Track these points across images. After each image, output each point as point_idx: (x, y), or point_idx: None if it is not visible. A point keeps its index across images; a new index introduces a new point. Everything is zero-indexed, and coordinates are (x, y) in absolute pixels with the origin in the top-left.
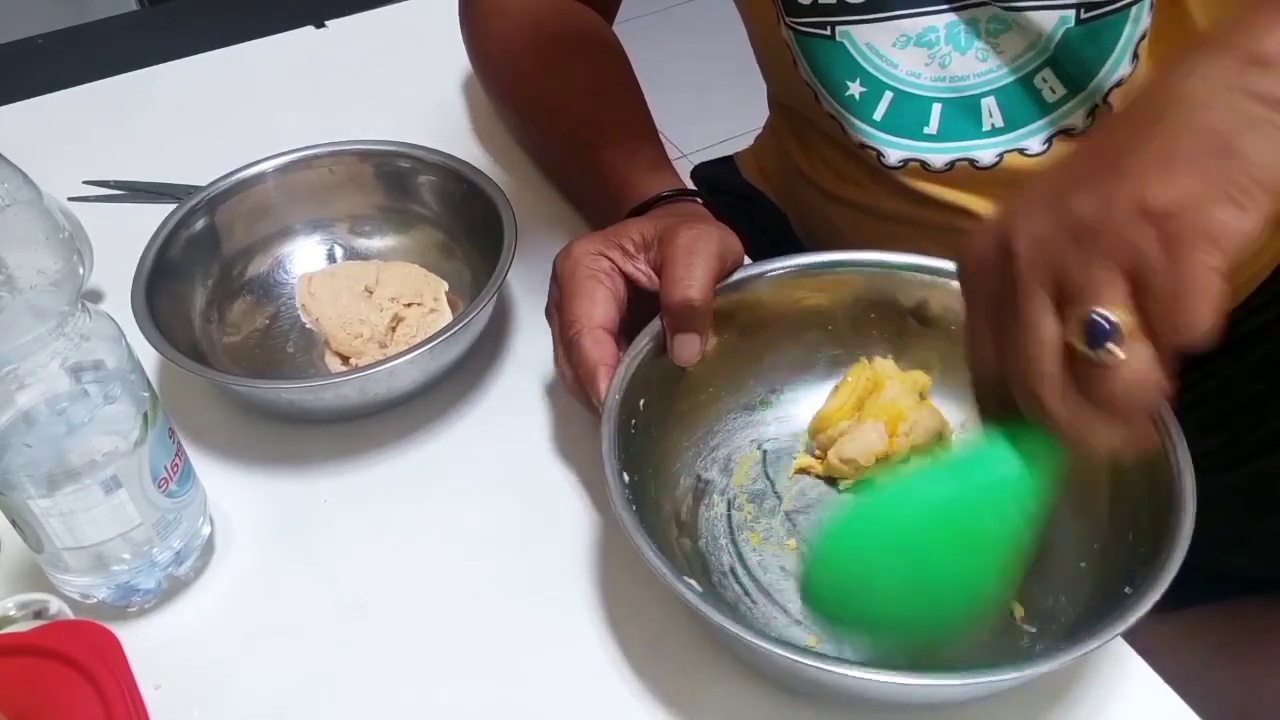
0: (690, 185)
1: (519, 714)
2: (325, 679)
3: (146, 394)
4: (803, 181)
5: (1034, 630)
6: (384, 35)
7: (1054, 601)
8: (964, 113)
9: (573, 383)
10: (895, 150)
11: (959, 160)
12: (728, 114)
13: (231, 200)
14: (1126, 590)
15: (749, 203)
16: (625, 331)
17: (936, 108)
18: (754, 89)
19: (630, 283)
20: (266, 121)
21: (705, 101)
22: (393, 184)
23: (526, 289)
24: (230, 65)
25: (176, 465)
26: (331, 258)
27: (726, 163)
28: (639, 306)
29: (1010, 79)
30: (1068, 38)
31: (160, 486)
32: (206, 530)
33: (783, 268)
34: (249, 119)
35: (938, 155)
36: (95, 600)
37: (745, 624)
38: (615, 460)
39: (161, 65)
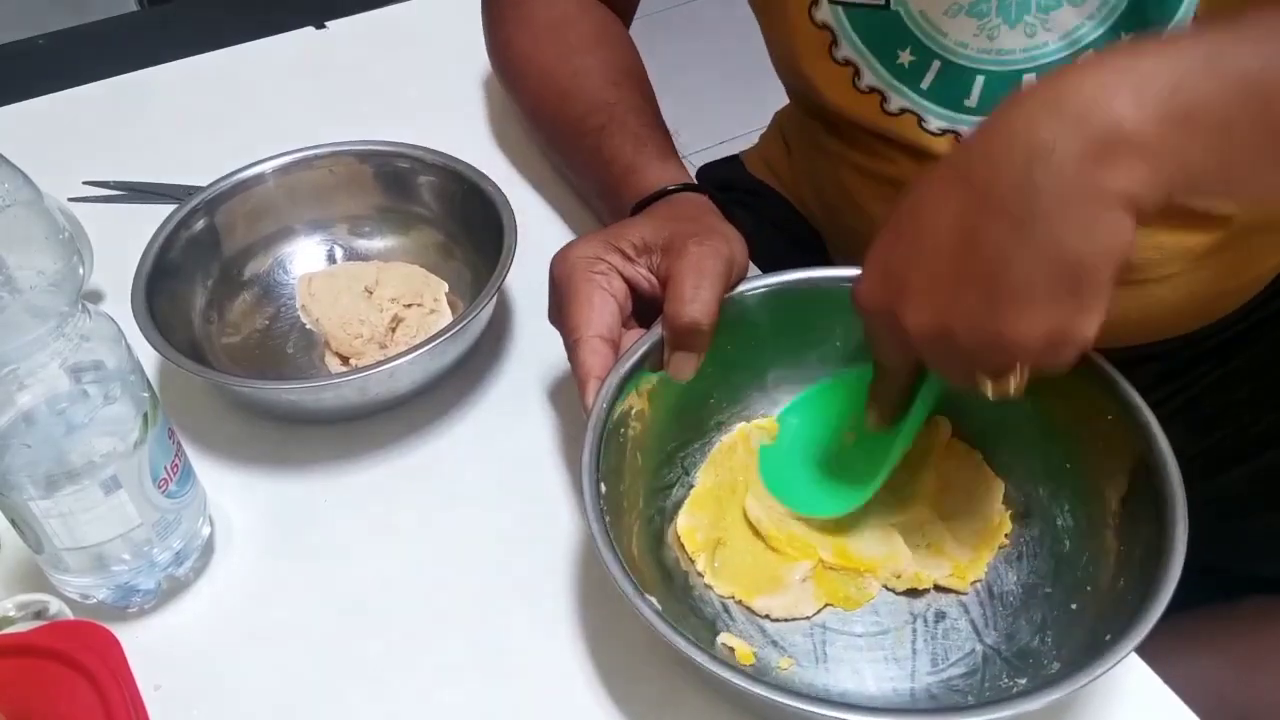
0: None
1: (518, 714)
2: (325, 679)
3: (146, 394)
4: (832, 161)
5: (1019, 680)
6: (384, 35)
7: (1039, 642)
8: (1005, 88)
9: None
10: (936, 119)
11: None
12: (731, 114)
13: (231, 200)
14: (1107, 637)
15: (757, 198)
16: (627, 325)
17: (979, 80)
18: (756, 89)
19: (630, 286)
20: (266, 121)
21: (708, 102)
22: (393, 184)
23: (526, 289)
24: (230, 65)
25: (176, 466)
26: (331, 258)
27: (732, 161)
28: (639, 308)
29: (1054, 57)
30: (1136, 3)
31: (160, 487)
32: (206, 530)
33: (781, 282)
34: (249, 119)
35: (971, 129)
36: (95, 600)
37: (704, 651)
38: (593, 471)
39: (161, 65)
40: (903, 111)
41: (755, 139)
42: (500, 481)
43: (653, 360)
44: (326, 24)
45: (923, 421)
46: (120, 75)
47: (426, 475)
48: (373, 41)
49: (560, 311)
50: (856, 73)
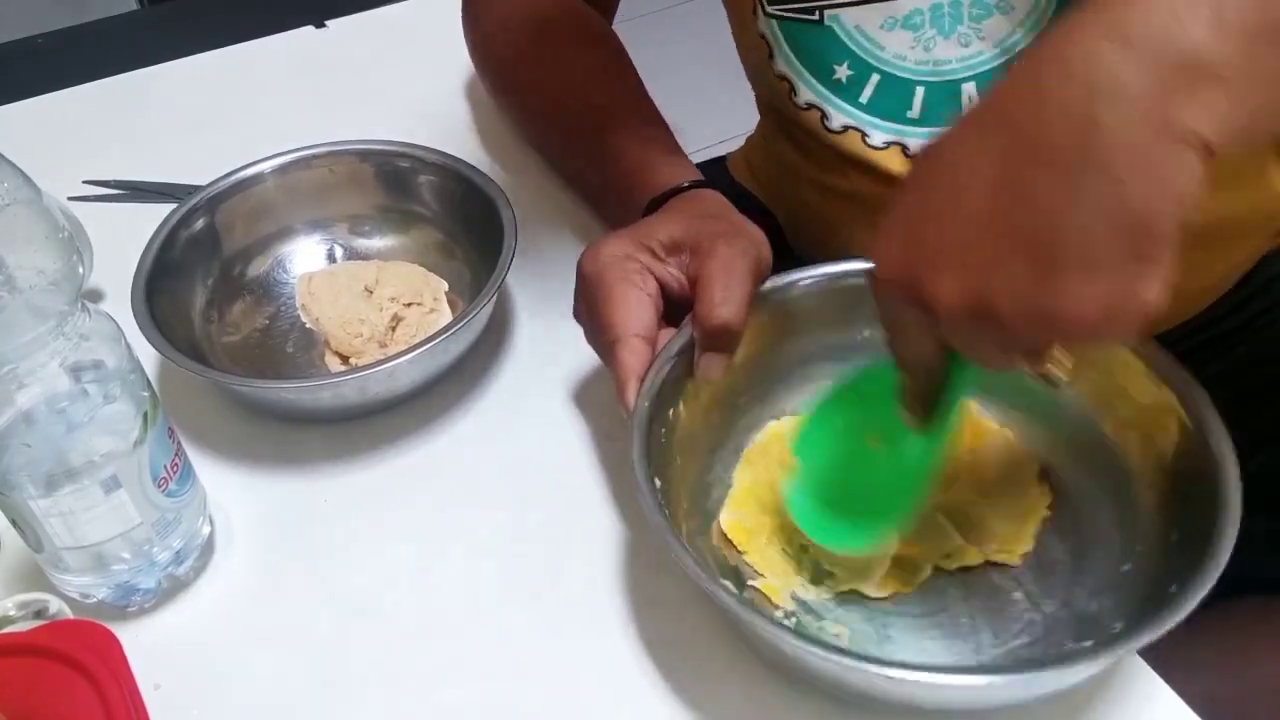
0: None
1: (518, 714)
2: (325, 679)
3: (146, 394)
4: (792, 176)
5: (1085, 643)
6: (384, 35)
7: (1098, 605)
8: (945, 98)
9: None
10: (880, 133)
11: None
12: (726, 114)
13: (231, 200)
14: (1172, 589)
15: (738, 203)
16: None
17: (919, 91)
18: (749, 90)
19: (661, 285)
20: (266, 121)
21: (703, 101)
22: (393, 184)
23: (526, 289)
24: (230, 65)
25: (176, 465)
26: (331, 258)
27: (717, 164)
28: (668, 308)
29: (991, 64)
30: (1061, 11)
31: (160, 486)
32: (206, 530)
33: (810, 277)
34: (249, 119)
35: (918, 140)
36: (95, 600)
37: (780, 626)
38: (645, 466)
39: (161, 65)
40: (845, 129)
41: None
42: (500, 481)
43: (683, 362)
44: (326, 23)
45: (957, 414)
46: (120, 75)
47: (426, 475)
48: (373, 41)
49: (594, 310)
50: (792, 89)
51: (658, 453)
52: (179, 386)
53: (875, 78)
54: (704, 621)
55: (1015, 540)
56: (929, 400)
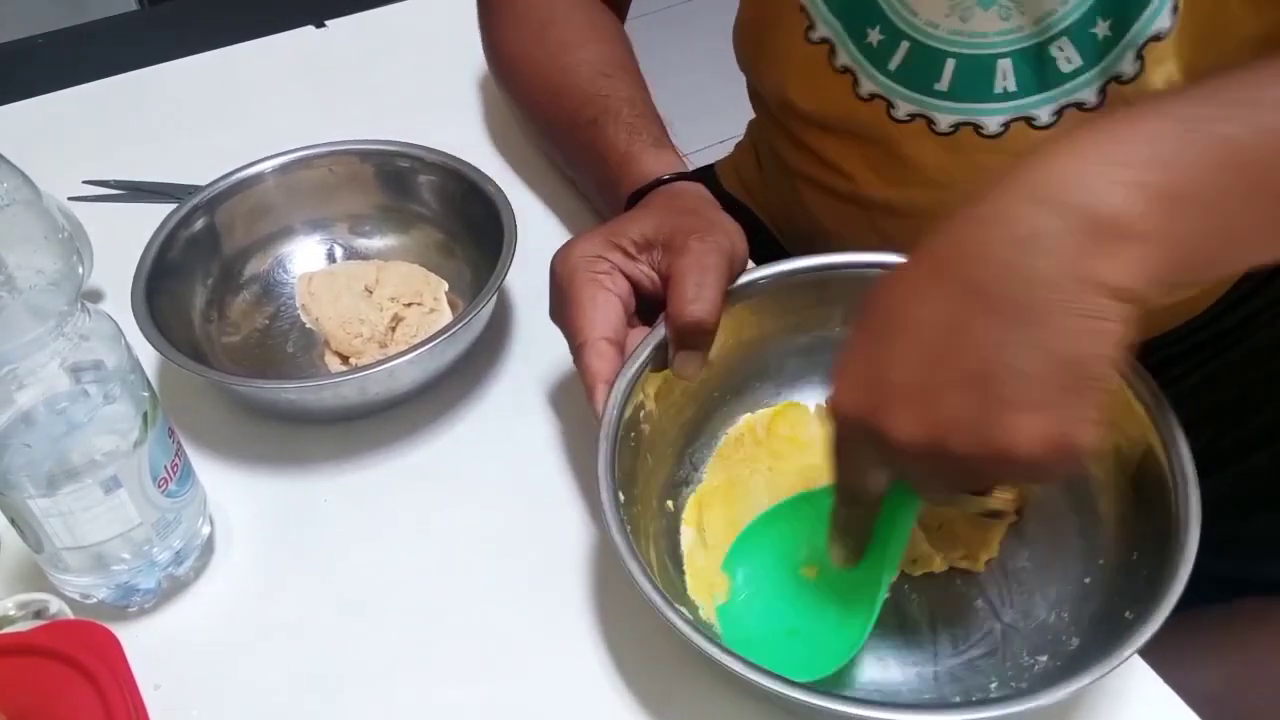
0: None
1: (518, 714)
2: (325, 679)
3: (146, 394)
4: (789, 178)
5: (1040, 657)
6: (384, 35)
7: (1056, 617)
8: (977, 72)
9: None
10: (905, 103)
11: (965, 124)
12: (724, 114)
13: (231, 200)
14: (1128, 615)
15: (728, 211)
16: (631, 324)
17: (950, 63)
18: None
19: (633, 284)
20: (266, 121)
21: (702, 102)
22: (393, 184)
23: (526, 289)
24: (230, 65)
25: (176, 465)
26: (331, 258)
27: (706, 171)
28: (641, 306)
29: (1029, 43)
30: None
31: (160, 486)
32: (206, 530)
33: (784, 271)
34: (249, 119)
35: (944, 115)
36: (95, 600)
37: (738, 658)
38: (610, 479)
39: (161, 65)
40: (872, 97)
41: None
42: (500, 481)
43: (657, 360)
44: (326, 23)
45: (898, 551)
46: (120, 75)
47: (426, 475)
48: (372, 41)
49: (563, 313)
50: (832, 51)
51: (627, 456)
52: (179, 386)
53: (905, 45)
54: None
55: (981, 547)
56: (860, 535)
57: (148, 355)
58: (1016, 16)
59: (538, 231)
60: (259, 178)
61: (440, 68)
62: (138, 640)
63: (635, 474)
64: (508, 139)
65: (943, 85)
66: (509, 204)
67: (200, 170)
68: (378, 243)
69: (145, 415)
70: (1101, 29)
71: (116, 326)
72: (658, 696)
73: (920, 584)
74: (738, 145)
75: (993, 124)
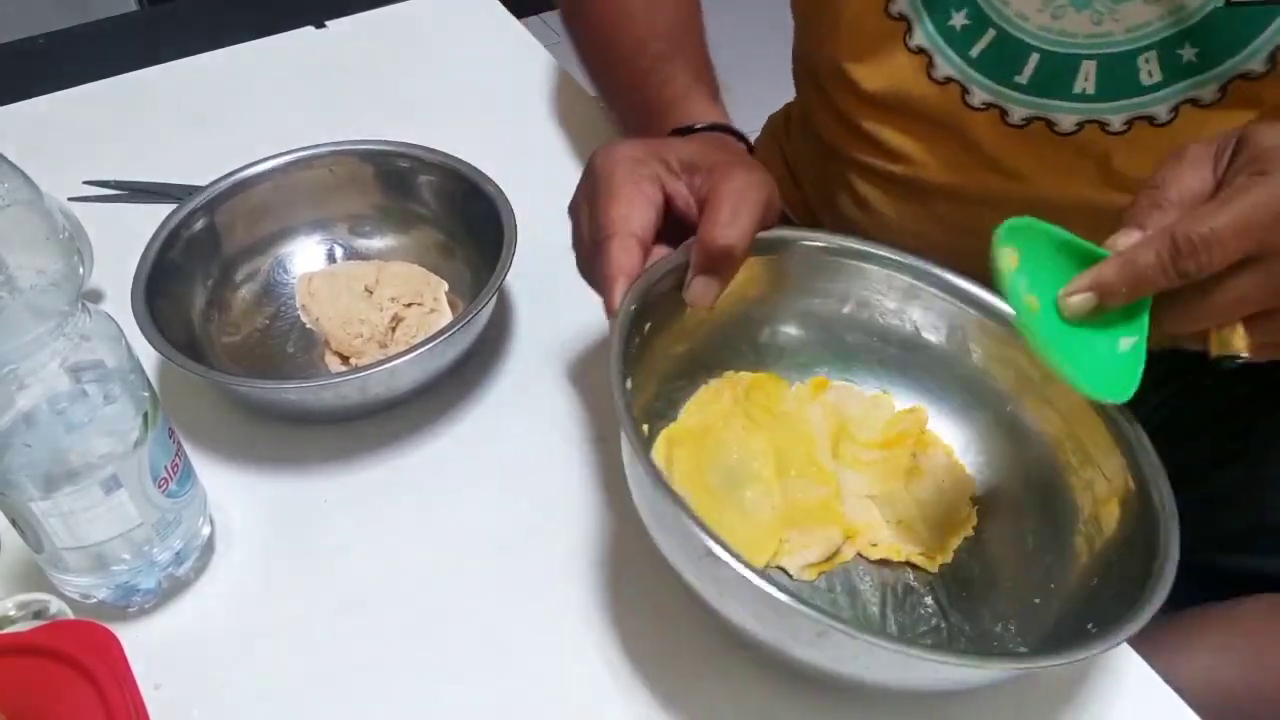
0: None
1: (518, 714)
2: (325, 679)
3: (146, 394)
4: (836, 161)
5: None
6: (384, 35)
7: (1001, 628)
8: (1060, 70)
9: (593, 280)
10: (981, 91)
11: (1038, 118)
12: (739, 113)
13: (231, 200)
14: (1090, 627)
15: None
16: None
17: (1034, 57)
18: (763, 83)
19: (667, 200)
20: (266, 121)
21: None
22: (393, 184)
23: (526, 289)
24: (230, 65)
25: (176, 465)
26: (331, 258)
27: None
28: (668, 226)
29: (1118, 48)
30: (1212, 19)
31: (160, 486)
32: (206, 530)
33: (812, 240)
34: (249, 119)
35: (1019, 107)
36: (95, 600)
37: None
38: (620, 369)
39: (161, 65)
40: (947, 81)
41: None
42: (500, 481)
43: (671, 282)
44: (326, 24)
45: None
46: (120, 75)
47: (426, 475)
48: (373, 41)
49: (595, 205)
50: (908, 29)
51: (630, 361)
52: (179, 386)
53: (991, 33)
54: (703, 620)
55: (936, 550)
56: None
57: (148, 355)
58: (1109, 22)
59: (538, 231)
60: (259, 178)
61: (440, 68)
62: (138, 640)
63: (641, 380)
64: (508, 139)
65: (1023, 78)
66: (509, 204)
67: (200, 170)
68: (378, 243)
69: (145, 415)
70: (1188, 54)
71: (117, 326)
72: (659, 696)
73: (875, 569)
74: (757, 141)
75: (1067, 122)
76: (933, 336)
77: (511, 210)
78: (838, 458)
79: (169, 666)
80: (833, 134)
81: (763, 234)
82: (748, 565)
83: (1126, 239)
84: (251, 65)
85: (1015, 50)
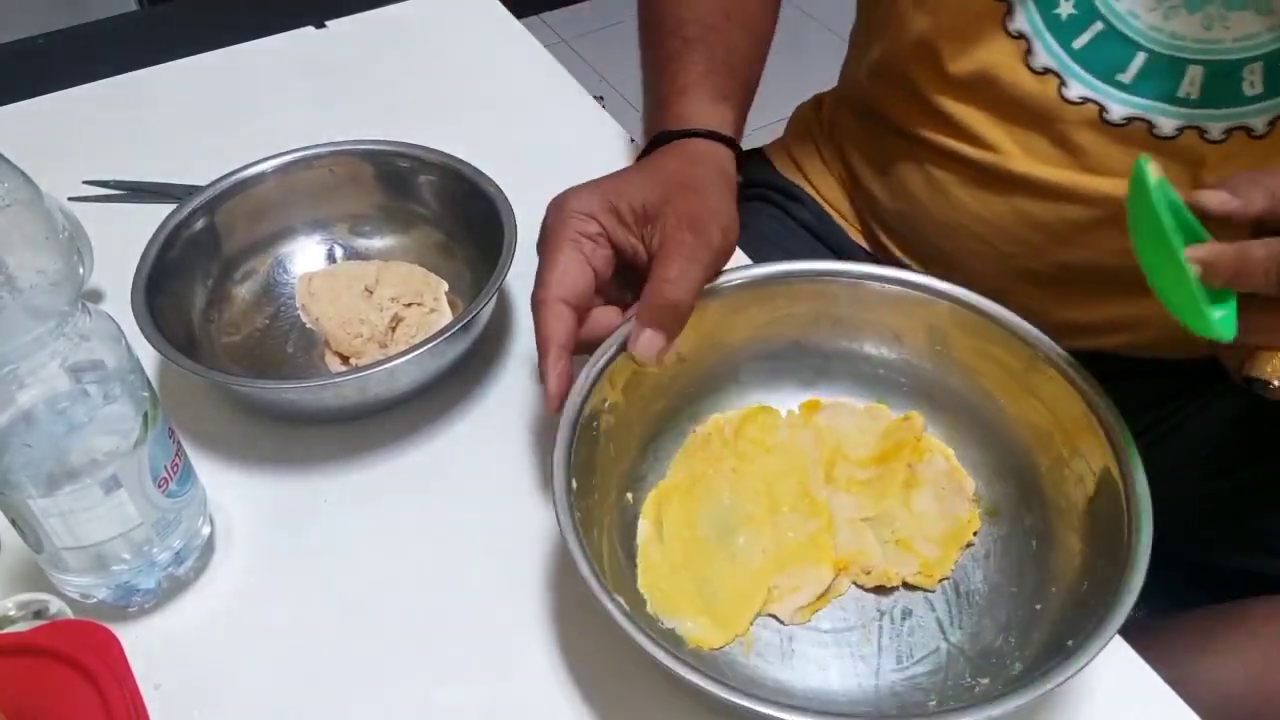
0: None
1: (518, 714)
2: (325, 679)
3: (146, 394)
4: (907, 141)
5: (982, 680)
6: (384, 35)
7: (1003, 641)
8: (1166, 72)
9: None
10: (1079, 85)
11: (1139, 119)
12: (767, 98)
13: (231, 200)
14: (1069, 643)
15: (790, 199)
16: (605, 293)
17: (1140, 57)
18: (779, 78)
19: (617, 251)
20: (266, 121)
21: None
22: (393, 184)
23: (527, 289)
24: (230, 65)
25: (176, 465)
26: (331, 258)
27: (758, 158)
28: (624, 274)
29: (1227, 56)
30: None
31: (160, 486)
32: (206, 530)
33: (759, 275)
34: (249, 119)
35: (1120, 106)
36: (95, 600)
37: (668, 651)
38: (566, 466)
39: (161, 65)
40: (1045, 71)
41: (781, 129)
42: (500, 481)
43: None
44: (326, 24)
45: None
46: (120, 75)
47: (426, 475)
48: (373, 41)
49: (539, 260)
50: (1009, 12)
51: (586, 444)
52: (179, 386)
53: (1098, 26)
54: None
55: (936, 565)
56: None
57: (148, 355)
58: (1219, 29)
59: (537, 231)
60: (259, 178)
61: (440, 68)
62: (138, 640)
63: (594, 463)
64: (508, 139)
65: (1126, 77)
66: (509, 204)
67: (200, 170)
68: (378, 243)
69: (145, 415)
70: None
71: (117, 326)
72: (660, 695)
73: (872, 597)
74: (787, 131)
75: (1167, 126)
76: (913, 340)
77: (511, 210)
78: (831, 482)
79: (169, 666)
80: (903, 115)
81: (720, 281)
82: (656, 642)
83: (1215, 197)
84: (251, 65)
85: (1122, 47)
